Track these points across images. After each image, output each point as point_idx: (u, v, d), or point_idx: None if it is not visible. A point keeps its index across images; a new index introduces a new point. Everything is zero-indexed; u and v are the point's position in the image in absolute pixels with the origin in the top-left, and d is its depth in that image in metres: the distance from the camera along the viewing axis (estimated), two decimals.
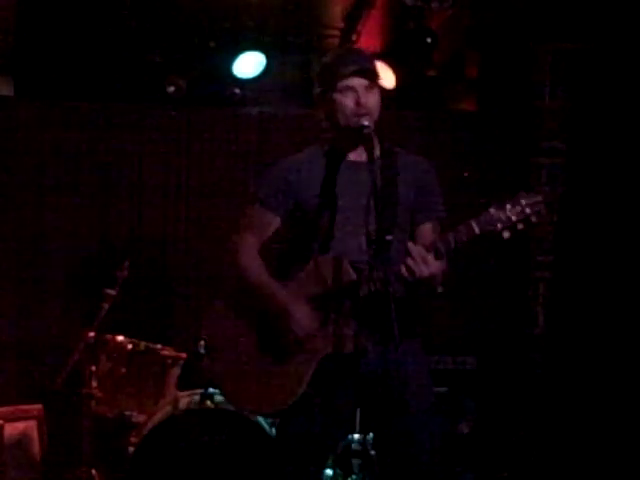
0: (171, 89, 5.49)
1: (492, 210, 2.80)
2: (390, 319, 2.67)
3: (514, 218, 2.79)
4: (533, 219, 2.80)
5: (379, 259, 2.85)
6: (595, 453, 4.82)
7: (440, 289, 3.00)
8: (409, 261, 2.80)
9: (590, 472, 4.80)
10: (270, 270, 3.11)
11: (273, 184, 3.13)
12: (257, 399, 3.03)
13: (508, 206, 2.80)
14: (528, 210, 2.79)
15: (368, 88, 2.99)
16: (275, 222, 3.12)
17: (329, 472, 4.33)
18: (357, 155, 3.07)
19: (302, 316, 2.96)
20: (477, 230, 2.81)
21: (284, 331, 2.98)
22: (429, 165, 3.18)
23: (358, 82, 2.97)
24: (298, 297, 2.99)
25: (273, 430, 3.98)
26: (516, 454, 5.12)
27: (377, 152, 3.05)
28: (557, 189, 2.90)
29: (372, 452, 4.21)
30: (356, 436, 4.35)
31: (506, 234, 2.80)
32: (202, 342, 4.22)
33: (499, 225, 2.79)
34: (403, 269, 2.81)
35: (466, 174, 5.35)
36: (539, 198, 2.80)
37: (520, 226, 2.80)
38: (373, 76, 3.01)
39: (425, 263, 2.79)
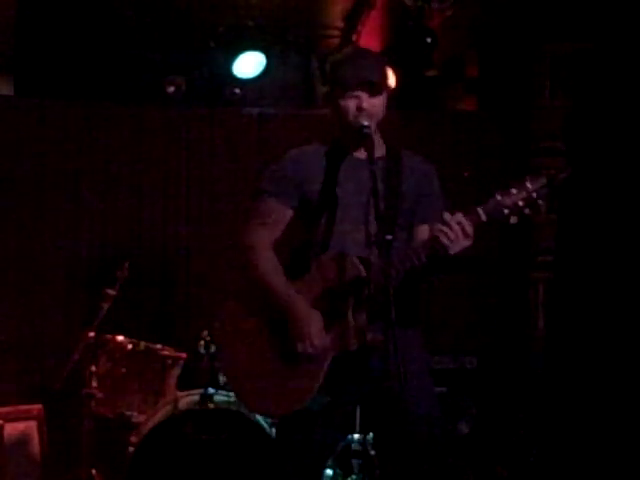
0: (171, 89, 5.49)
1: (498, 196, 2.79)
2: (390, 320, 2.65)
3: (520, 203, 2.77)
4: (540, 203, 2.78)
5: (379, 258, 2.83)
6: (595, 453, 4.82)
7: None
8: (446, 229, 2.76)
9: (590, 472, 4.80)
10: (284, 268, 3.07)
11: (282, 176, 3.09)
12: (271, 401, 3.00)
13: (514, 191, 2.78)
14: (534, 194, 2.77)
15: (372, 95, 2.97)
16: (288, 214, 3.08)
17: (329, 472, 4.33)
18: (360, 153, 3.06)
19: (316, 332, 2.92)
20: (484, 217, 2.79)
21: (296, 342, 2.94)
22: (432, 168, 3.16)
23: (362, 93, 2.96)
24: (315, 308, 2.94)
25: (273, 430, 3.98)
26: (516, 454, 5.12)
27: (382, 152, 3.05)
28: (563, 173, 2.86)
29: (372, 452, 4.22)
30: (356, 436, 4.34)
31: (513, 219, 2.79)
32: (202, 342, 4.27)
33: (505, 211, 2.78)
34: (443, 238, 2.76)
35: (466, 174, 5.35)
36: (544, 181, 2.78)
37: (527, 210, 2.78)
38: (378, 88, 2.98)
39: (463, 231, 2.76)
